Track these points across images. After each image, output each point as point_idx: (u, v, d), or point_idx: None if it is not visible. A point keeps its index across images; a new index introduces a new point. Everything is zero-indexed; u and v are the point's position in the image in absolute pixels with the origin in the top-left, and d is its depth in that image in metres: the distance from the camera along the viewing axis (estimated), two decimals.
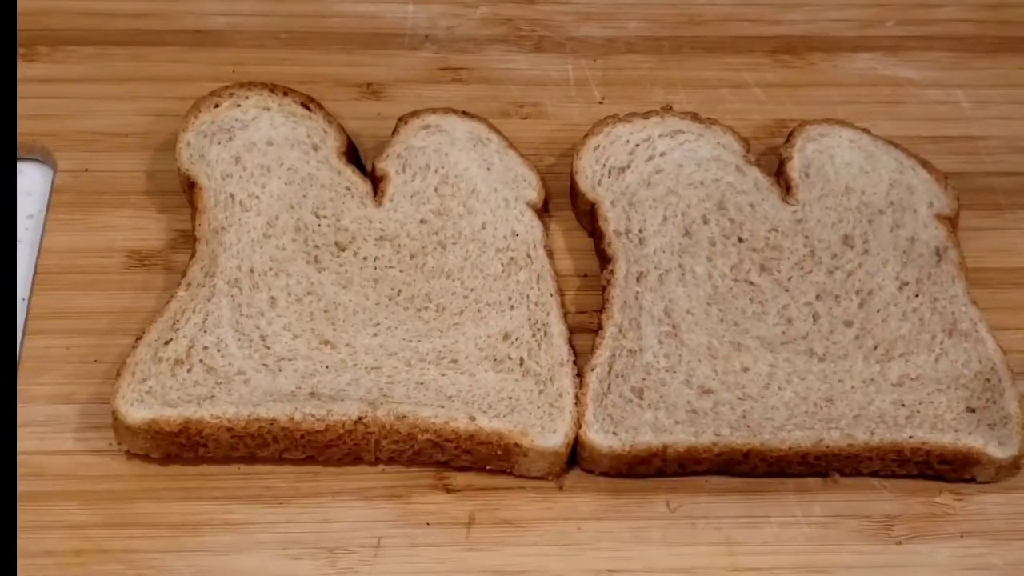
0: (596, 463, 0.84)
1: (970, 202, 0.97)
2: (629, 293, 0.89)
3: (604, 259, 0.92)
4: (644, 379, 0.86)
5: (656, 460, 0.84)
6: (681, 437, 0.83)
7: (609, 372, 0.86)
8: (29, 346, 0.87)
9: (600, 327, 0.88)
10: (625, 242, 0.92)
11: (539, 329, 0.88)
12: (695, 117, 0.98)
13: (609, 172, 0.95)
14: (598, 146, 0.96)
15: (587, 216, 0.95)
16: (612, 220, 0.93)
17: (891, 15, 1.11)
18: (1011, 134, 1.03)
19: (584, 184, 0.95)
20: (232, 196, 0.92)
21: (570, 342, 0.87)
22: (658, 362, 0.87)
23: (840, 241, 0.93)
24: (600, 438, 0.83)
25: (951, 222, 0.94)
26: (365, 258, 0.90)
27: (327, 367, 0.85)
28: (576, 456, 0.84)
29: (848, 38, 1.09)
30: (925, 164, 0.97)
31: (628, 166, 0.96)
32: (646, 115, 0.98)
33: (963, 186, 0.96)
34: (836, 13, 1.11)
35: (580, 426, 0.83)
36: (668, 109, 0.99)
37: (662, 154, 0.96)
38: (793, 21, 1.10)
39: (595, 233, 0.94)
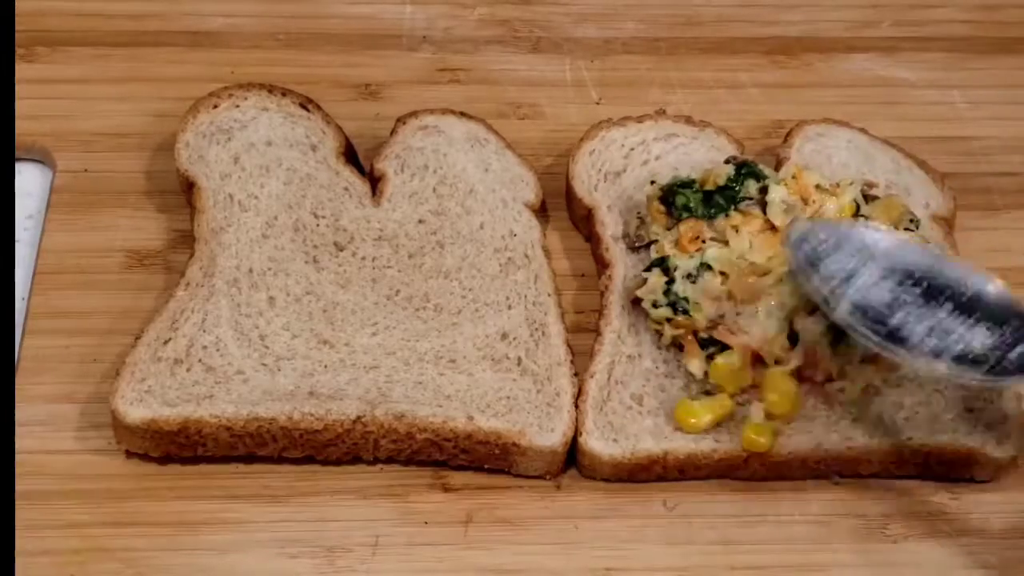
0: (597, 470, 0.84)
1: (966, 202, 0.97)
2: (627, 298, 0.89)
3: (602, 264, 0.92)
4: (644, 385, 0.86)
5: (656, 467, 0.83)
6: (681, 443, 0.83)
7: (609, 379, 0.86)
8: (28, 346, 0.88)
9: (599, 333, 0.88)
10: (623, 247, 0.92)
11: (537, 329, 0.88)
12: (688, 120, 0.98)
13: (605, 177, 0.95)
14: (593, 151, 0.96)
15: (584, 221, 0.95)
16: (609, 225, 0.93)
17: (887, 16, 1.11)
18: (1007, 134, 1.03)
19: (580, 189, 0.95)
20: (231, 196, 0.92)
21: (567, 342, 0.88)
22: (657, 368, 0.87)
23: None
24: (601, 446, 0.83)
25: (947, 223, 0.95)
26: (363, 258, 0.90)
27: (326, 367, 0.85)
28: (576, 462, 0.84)
29: (844, 39, 1.09)
30: (922, 164, 0.97)
31: (624, 170, 0.96)
32: (640, 119, 0.98)
33: (959, 186, 0.97)
34: (832, 14, 1.11)
35: (580, 432, 0.83)
36: (662, 112, 0.99)
37: (657, 157, 0.96)
38: (789, 22, 1.10)
39: (592, 238, 0.94)
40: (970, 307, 0.79)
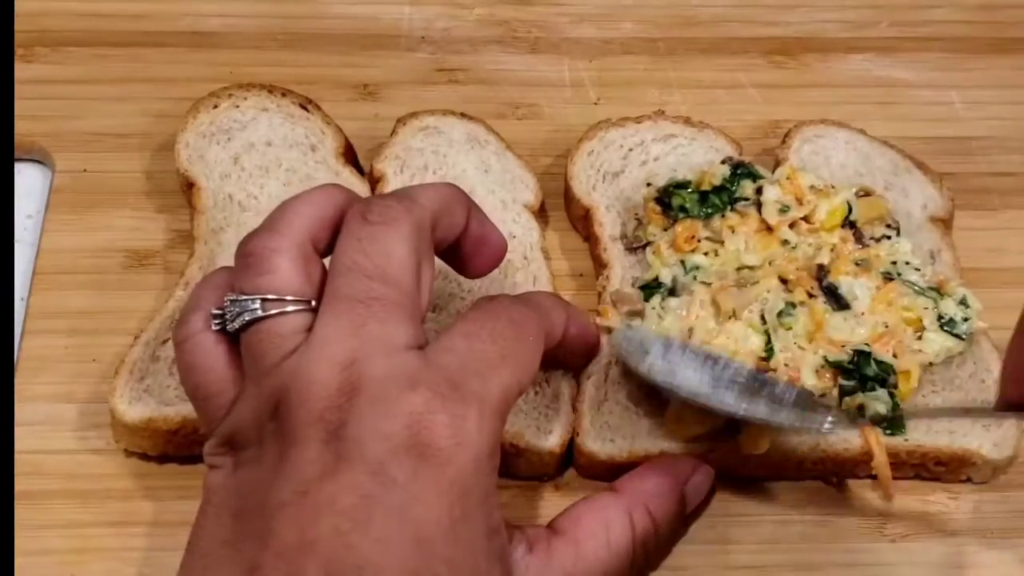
0: (594, 470, 0.84)
1: (963, 202, 0.97)
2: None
3: (600, 264, 0.92)
4: (641, 385, 0.86)
5: None
6: (678, 444, 0.83)
7: (606, 379, 0.86)
8: (27, 345, 0.88)
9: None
10: (621, 247, 0.92)
11: None
12: (687, 120, 0.98)
13: (603, 177, 0.96)
14: (592, 151, 0.96)
15: (582, 221, 0.95)
16: (607, 225, 0.93)
17: (885, 16, 1.11)
18: (1004, 134, 1.03)
19: (579, 189, 0.95)
20: (231, 196, 0.92)
21: None
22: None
23: None
24: (598, 446, 0.83)
25: (945, 223, 0.95)
26: None
27: None
28: (574, 462, 0.84)
29: (842, 39, 1.09)
30: (921, 166, 0.97)
31: (622, 171, 0.96)
32: (639, 119, 0.98)
33: (956, 186, 0.97)
34: (830, 14, 1.11)
35: (577, 432, 0.83)
36: (661, 113, 0.99)
37: (656, 158, 0.96)
38: (787, 22, 1.10)
39: (590, 238, 0.94)
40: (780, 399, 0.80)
